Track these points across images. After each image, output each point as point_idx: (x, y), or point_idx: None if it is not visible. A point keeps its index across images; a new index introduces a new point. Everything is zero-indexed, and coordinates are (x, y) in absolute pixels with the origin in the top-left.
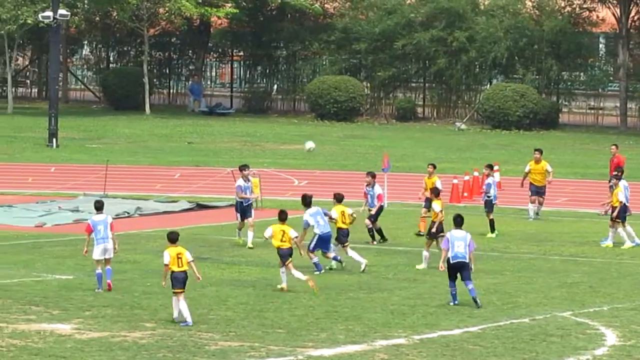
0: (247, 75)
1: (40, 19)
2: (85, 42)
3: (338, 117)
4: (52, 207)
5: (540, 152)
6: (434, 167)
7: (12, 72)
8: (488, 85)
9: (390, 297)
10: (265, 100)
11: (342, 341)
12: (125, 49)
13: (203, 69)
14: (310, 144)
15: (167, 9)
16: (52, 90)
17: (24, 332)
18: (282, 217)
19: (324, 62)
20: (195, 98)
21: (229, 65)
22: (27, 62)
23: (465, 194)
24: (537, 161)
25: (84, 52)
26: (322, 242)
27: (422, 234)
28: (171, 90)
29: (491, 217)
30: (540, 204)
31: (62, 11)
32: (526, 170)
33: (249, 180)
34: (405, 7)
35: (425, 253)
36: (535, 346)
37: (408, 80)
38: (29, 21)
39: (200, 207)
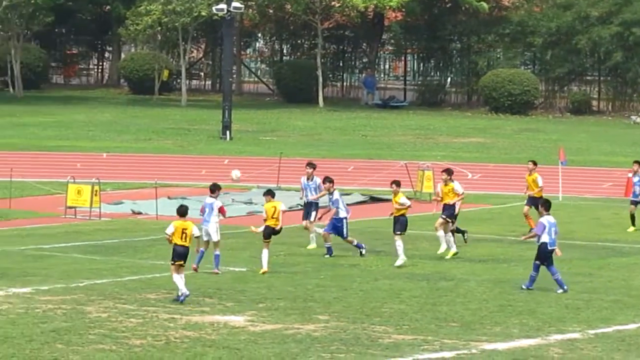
0: (421, 68)
1: (214, 11)
2: (259, 34)
3: (512, 111)
4: (226, 199)
5: None
6: (535, 164)
7: (186, 64)
8: None
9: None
10: (439, 93)
11: (516, 335)
12: (299, 41)
13: (377, 62)
14: (236, 174)
15: (340, 2)
16: (226, 83)
17: (197, 324)
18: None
19: (498, 55)
20: (369, 91)
21: (403, 58)
22: (201, 55)
23: None
24: None
25: (257, 45)
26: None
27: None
28: (344, 83)
29: (633, 211)
30: None
31: (236, 4)
32: None
33: (310, 180)
34: (581, 2)
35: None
36: None
37: (583, 73)
38: (203, 14)
39: (374, 200)
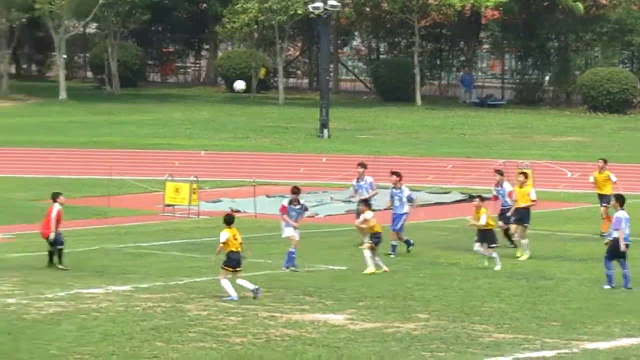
0: (519, 67)
1: (311, 9)
2: (356, 33)
3: (611, 109)
4: (324, 197)
5: None
6: (605, 162)
7: (283, 62)
8: None
9: None
10: (536, 91)
11: (617, 334)
12: (395, 40)
13: (474, 60)
14: (239, 85)
15: (437, 0)
16: (323, 81)
17: (297, 322)
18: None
19: (596, 54)
20: (467, 89)
21: (501, 56)
22: (297, 53)
23: None
24: None
25: (354, 43)
26: None
27: (605, 234)
28: (442, 82)
29: None
30: None
31: (332, 2)
32: None
33: (361, 179)
34: None
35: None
36: None
37: None
38: (299, 12)
39: (472, 198)
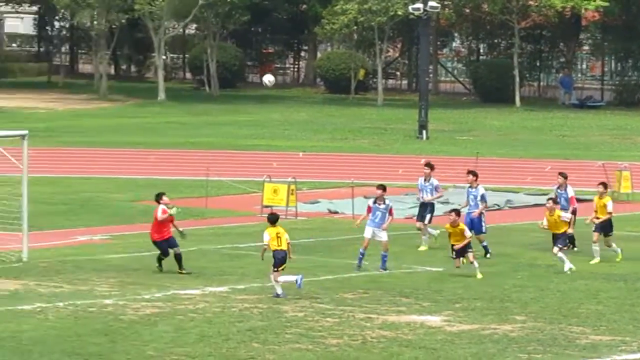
0: (619, 68)
1: (411, 10)
2: (456, 34)
3: None
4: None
5: None
6: None
7: (383, 63)
8: None
9: None
10: (637, 92)
11: None
12: (495, 41)
13: (574, 62)
14: (268, 79)
15: (538, 1)
16: (422, 82)
17: (394, 324)
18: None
19: None
20: (566, 91)
21: (600, 58)
22: (397, 54)
23: None
24: None
25: (454, 44)
26: None
27: None
28: (541, 83)
29: None
30: None
31: (432, 3)
32: None
33: (427, 180)
34: None
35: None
36: None
37: None
38: (399, 13)
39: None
